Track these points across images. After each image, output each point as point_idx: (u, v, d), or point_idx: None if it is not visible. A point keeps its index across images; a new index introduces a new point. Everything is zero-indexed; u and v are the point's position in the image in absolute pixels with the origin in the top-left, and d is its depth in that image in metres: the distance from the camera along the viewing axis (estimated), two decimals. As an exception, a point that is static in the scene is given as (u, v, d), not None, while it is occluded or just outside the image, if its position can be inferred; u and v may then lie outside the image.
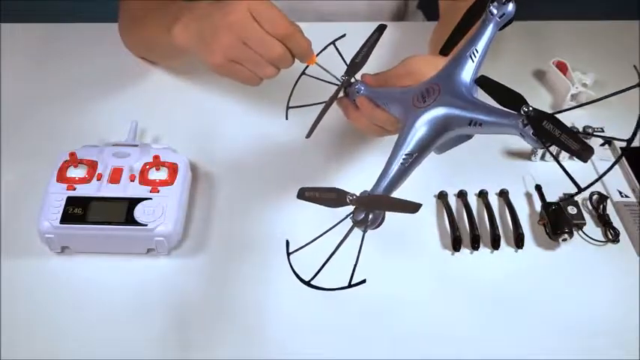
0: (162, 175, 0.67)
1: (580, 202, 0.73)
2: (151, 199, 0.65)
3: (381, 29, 0.65)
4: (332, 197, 0.49)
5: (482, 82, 0.48)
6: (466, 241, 0.69)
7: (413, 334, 0.62)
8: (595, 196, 0.73)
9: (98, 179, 0.66)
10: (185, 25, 0.68)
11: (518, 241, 0.69)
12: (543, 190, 0.73)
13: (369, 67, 0.65)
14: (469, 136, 0.55)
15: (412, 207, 0.45)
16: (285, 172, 0.76)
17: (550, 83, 0.88)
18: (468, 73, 0.54)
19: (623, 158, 0.77)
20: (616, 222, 0.71)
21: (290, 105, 0.68)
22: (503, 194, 0.73)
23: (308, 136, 0.63)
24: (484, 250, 0.69)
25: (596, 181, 0.44)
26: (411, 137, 0.52)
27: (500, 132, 0.48)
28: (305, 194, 0.51)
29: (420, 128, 0.52)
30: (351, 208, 0.49)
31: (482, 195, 0.73)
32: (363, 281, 0.45)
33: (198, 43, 0.66)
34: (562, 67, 0.86)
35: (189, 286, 0.65)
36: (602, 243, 0.70)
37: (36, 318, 0.62)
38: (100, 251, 0.67)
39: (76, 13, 1.09)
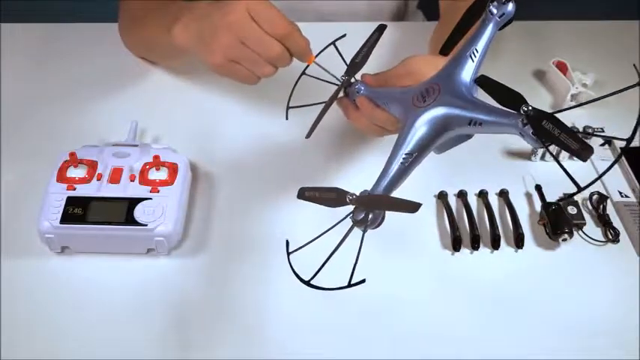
0: (162, 175, 0.67)
1: (580, 202, 0.73)
2: (151, 199, 0.65)
3: (381, 29, 0.65)
4: (332, 197, 0.49)
5: (482, 81, 0.48)
6: (466, 241, 0.69)
7: (413, 333, 0.62)
8: (595, 196, 0.73)
9: (98, 179, 0.66)
10: (185, 25, 0.68)
11: (518, 241, 0.69)
12: (543, 190, 0.73)
13: (369, 67, 0.65)
14: (469, 136, 0.55)
15: (412, 207, 0.45)
16: (285, 172, 0.76)
17: (550, 83, 0.88)
18: (467, 72, 0.54)
19: (624, 158, 0.77)
20: (616, 222, 0.71)
21: (290, 105, 0.68)
22: (503, 194, 0.73)
23: (308, 136, 0.63)
24: (484, 250, 0.69)
25: (595, 180, 0.44)
26: (411, 137, 0.52)
27: (500, 131, 0.48)
28: (305, 194, 0.51)
29: (420, 128, 0.52)
30: (351, 207, 0.49)
31: (482, 195, 0.73)
32: (363, 281, 0.45)
33: (197, 43, 0.66)
34: (562, 67, 0.86)
35: (189, 286, 0.65)
36: (602, 243, 0.70)
37: (36, 318, 0.62)
38: (100, 251, 0.67)
39: (76, 13, 1.09)
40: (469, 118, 0.50)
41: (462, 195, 0.73)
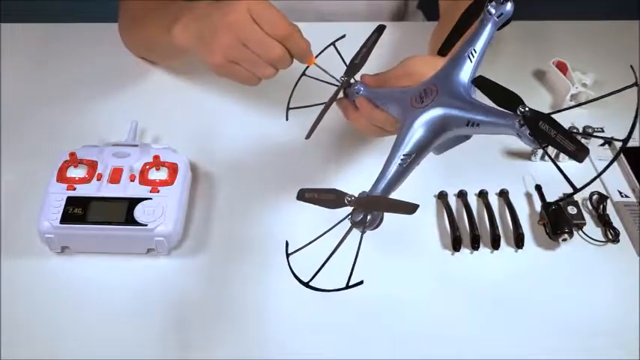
0: (162, 175, 0.67)
1: (580, 202, 0.73)
2: (151, 199, 0.65)
3: (380, 30, 0.65)
4: (331, 198, 0.49)
5: (480, 82, 0.48)
6: (466, 241, 0.69)
7: (413, 333, 0.62)
8: (595, 196, 0.73)
9: (98, 179, 0.66)
10: (185, 25, 0.68)
11: (518, 241, 0.69)
12: (543, 190, 0.73)
13: (370, 66, 0.65)
14: (467, 137, 0.55)
15: (410, 208, 0.46)
16: (285, 173, 0.76)
17: (550, 83, 0.88)
18: (466, 73, 0.54)
19: (624, 158, 0.77)
20: (616, 222, 0.71)
21: (290, 106, 0.68)
22: (503, 194, 0.73)
23: (308, 136, 0.63)
24: (484, 250, 0.69)
25: (592, 181, 0.44)
26: (409, 138, 0.52)
27: (497, 132, 0.48)
28: (304, 195, 0.51)
29: (418, 129, 0.52)
30: (350, 209, 0.49)
31: (482, 195, 0.73)
32: (361, 282, 0.45)
33: (197, 43, 0.66)
34: (562, 67, 0.86)
35: (189, 286, 0.65)
36: (602, 243, 0.70)
37: (36, 318, 0.62)
38: (100, 251, 0.67)
39: (76, 13, 1.09)
40: (467, 119, 0.50)
41: (462, 195, 0.73)
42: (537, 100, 0.86)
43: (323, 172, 0.76)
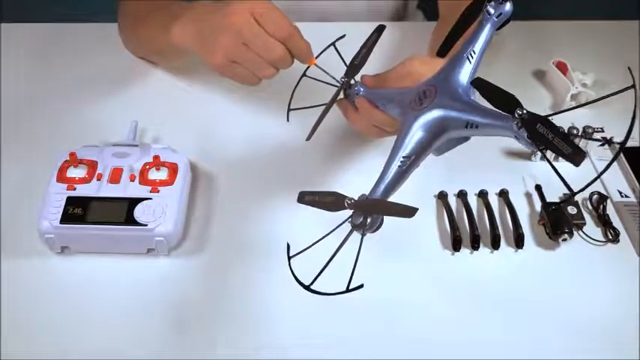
0: (162, 175, 0.68)
1: (580, 202, 0.73)
2: (151, 199, 0.65)
3: (379, 30, 0.65)
4: (331, 201, 0.50)
5: (478, 84, 0.48)
6: (466, 241, 0.69)
7: (412, 333, 0.62)
8: (595, 196, 0.73)
9: (98, 179, 0.66)
10: (183, 24, 0.68)
11: (518, 241, 0.69)
12: (543, 190, 0.73)
13: (370, 66, 0.65)
14: (467, 138, 0.55)
15: (409, 212, 0.46)
16: (285, 173, 0.76)
17: (550, 83, 0.88)
18: (465, 74, 0.54)
19: (624, 158, 0.77)
20: (616, 222, 0.71)
21: (291, 107, 0.68)
22: (503, 194, 0.73)
23: (308, 138, 0.63)
24: (484, 250, 0.69)
25: (590, 184, 0.44)
26: (408, 140, 0.52)
27: (496, 134, 0.48)
28: (305, 198, 0.51)
29: (417, 131, 0.52)
30: (350, 211, 0.49)
31: (482, 195, 0.73)
32: (361, 286, 0.45)
33: (197, 43, 0.66)
34: (562, 67, 0.86)
35: (189, 286, 0.65)
36: (602, 243, 0.70)
37: (36, 318, 0.62)
38: (100, 251, 0.67)
39: (76, 13, 1.09)
40: (465, 121, 0.50)
41: (462, 195, 0.73)
42: (537, 100, 0.86)
43: (323, 172, 0.76)
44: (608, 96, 0.45)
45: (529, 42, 0.95)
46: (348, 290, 0.46)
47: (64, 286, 0.65)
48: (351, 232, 0.49)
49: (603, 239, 0.70)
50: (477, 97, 0.52)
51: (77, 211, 0.64)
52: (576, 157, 0.42)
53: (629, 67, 0.47)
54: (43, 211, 0.64)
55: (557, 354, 0.61)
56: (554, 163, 0.46)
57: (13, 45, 0.91)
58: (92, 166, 0.67)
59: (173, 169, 0.68)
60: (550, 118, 0.45)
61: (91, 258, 0.67)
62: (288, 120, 0.68)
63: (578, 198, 0.73)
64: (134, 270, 0.66)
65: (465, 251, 0.69)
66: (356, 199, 0.49)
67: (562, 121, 0.76)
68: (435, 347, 0.61)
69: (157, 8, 0.78)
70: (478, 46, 0.54)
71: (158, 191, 0.66)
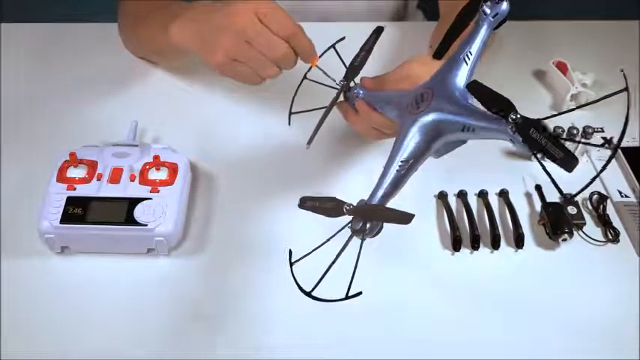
0: (162, 175, 0.68)
1: (580, 202, 0.73)
2: (151, 199, 0.65)
3: (378, 31, 0.65)
4: (330, 207, 0.50)
5: (473, 87, 0.48)
6: (466, 241, 0.69)
7: (412, 333, 0.62)
8: (595, 196, 0.73)
9: (98, 179, 0.66)
10: (182, 23, 0.68)
11: (518, 241, 0.69)
12: (543, 190, 0.73)
13: (370, 66, 0.65)
14: (465, 140, 0.54)
15: (405, 218, 0.46)
16: (286, 173, 0.76)
17: (550, 83, 0.88)
18: (462, 76, 0.54)
19: (624, 158, 0.76)
20: (616, 222, 0.71)
21: (292, 110, 0.69)
22: (503, 194, 0.73)
23: (309, 143, 0.63)
24: (484, 250, 0.69)
25: (588, 184, 0.44)
26: (406, 144, 0.52)
27: (492, 137, 0.48)
28: (306, 204, 0.51)
29: (415, 135, 0.52)
30: (350, 217, 0.49)
31: (482, 195, 0.73)
32: (360, 293, 0.45)
33: (197, 43, 0.66)
34: (562, 67, 0.86)
35: (189, 286, 0.65)
36: (602, 243, 0.70)
37: (36, 318, 0.62)
38: (100, 251, 0.67)
39: (76, 13, 1.09)
40: (462, 124, 0.50)
41: (462, 195, 0.73)
42: (537, 100, 0.86)
43: (324, 172, 0.76)
44: (602, 99, 0.45)
45: (529, 42, 0.95)
46: (347, 297, 0.46)
47: (64, 286, 0.65)
48: (350, 238, 0.49)
49: (603, 239, 0.70)
50: (475, 99, 0.52)
51: (77, 211, 0.64)
52: (569, 162, 0.42)
53: (621, 70, 0.47)
54: (43, 211, 0.64)
55: (557, 354, 0.61)
56: (550, 166, 0.45)
57: (13, 45, 0.92)
58: (92, 166, 0.67)
59: (173, 169, 0.68)
60: (548, 120, 0.45)
61: (91, 258, 0.67)
62: (289, 124, 0.68)
63: (578, 198, 0.73)
64: (134, 270, 0.66)
65: (465, 251, 0.69)
66: (354, 205, 0.49)
67: (562, 121, 0.76)
68: (435, 347, 0.61)
69: (156, 8, 0.78)
70: (475, 46, 0.54)
71: (158, 191, 0.66)
